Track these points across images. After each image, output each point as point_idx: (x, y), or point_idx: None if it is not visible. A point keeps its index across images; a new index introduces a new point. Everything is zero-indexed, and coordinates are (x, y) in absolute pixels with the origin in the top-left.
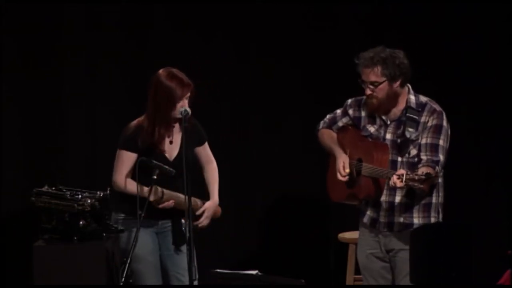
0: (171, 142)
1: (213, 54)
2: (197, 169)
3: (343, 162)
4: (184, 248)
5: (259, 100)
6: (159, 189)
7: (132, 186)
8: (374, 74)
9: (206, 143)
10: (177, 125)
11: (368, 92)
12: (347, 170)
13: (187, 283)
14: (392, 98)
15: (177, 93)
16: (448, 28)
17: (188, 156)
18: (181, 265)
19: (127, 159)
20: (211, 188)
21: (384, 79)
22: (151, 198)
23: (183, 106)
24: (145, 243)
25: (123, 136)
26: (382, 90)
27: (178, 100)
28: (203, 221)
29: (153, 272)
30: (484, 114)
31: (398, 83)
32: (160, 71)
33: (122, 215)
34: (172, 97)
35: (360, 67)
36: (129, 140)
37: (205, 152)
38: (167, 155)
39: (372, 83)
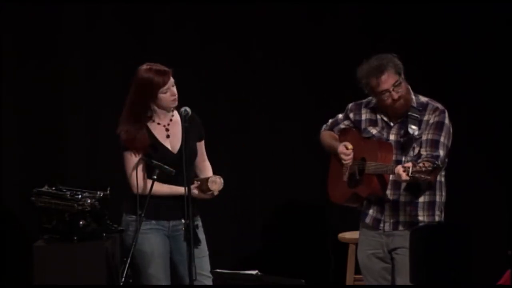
0: (168, 136)
1: (213, 55)
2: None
3: (344, 145)
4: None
5: (260, 100)
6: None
7: (158, 187)
8: (390, 77)
9: (203, 141)
10: (174, 118)
11: (395, 96)
12: (350, 146)
13: None
14: (408, 91)
15: (156, 81)
16: (448, 28)
17: (189, 151)
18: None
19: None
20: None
21: (397, 76)
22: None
23: (173, 95)
24: (155, 246)
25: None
26: (403, 87)
27: (159, 88)
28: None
29: (162, 276)
30: (484, 114)
31: (403, 75)
32: (139, 67)
33: (134, 216)
34: (151, 86)
35: (373, 82)
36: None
37: (202, 150)
38: (169, 147)
39: (394, 85)
